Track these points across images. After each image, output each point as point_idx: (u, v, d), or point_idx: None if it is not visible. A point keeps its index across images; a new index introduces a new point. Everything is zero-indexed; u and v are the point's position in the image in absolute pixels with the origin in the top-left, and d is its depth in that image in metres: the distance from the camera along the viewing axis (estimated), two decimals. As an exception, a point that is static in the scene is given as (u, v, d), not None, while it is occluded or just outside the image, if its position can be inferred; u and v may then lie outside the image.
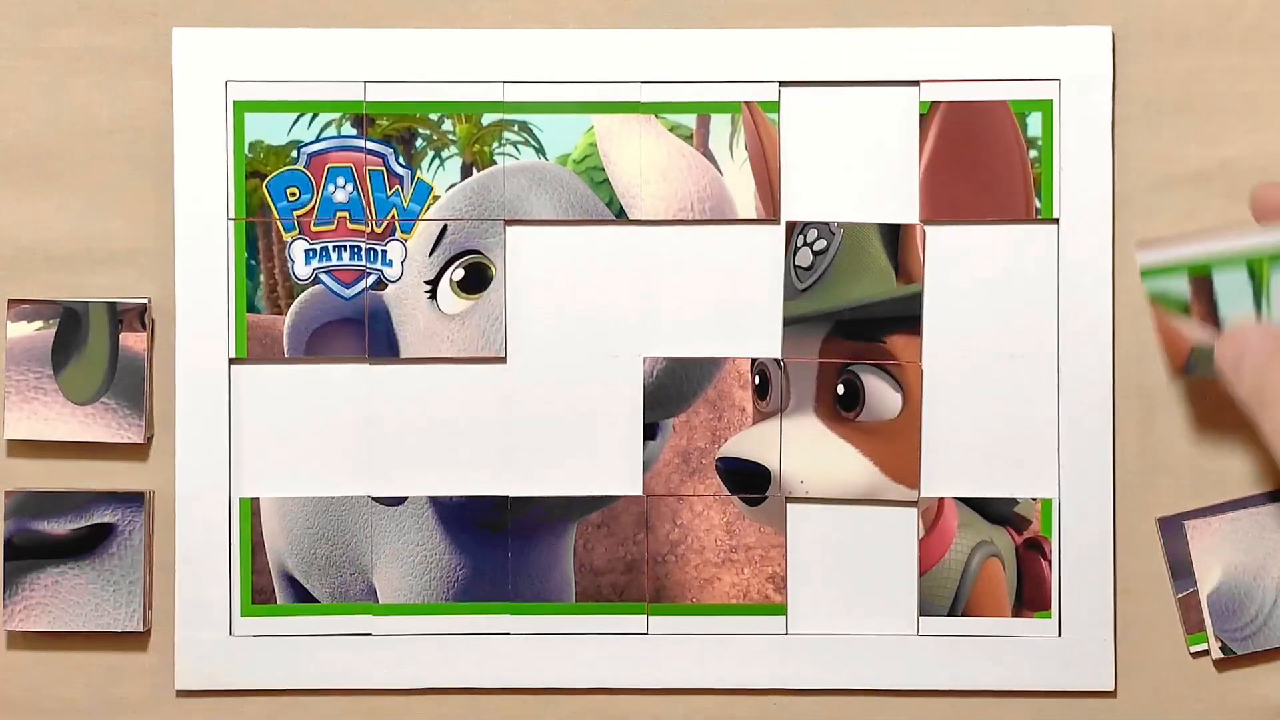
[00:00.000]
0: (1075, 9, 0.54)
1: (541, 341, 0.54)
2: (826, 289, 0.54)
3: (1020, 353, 0.54)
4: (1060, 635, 0.54)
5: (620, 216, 0.54)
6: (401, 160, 0.54)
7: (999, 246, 0.54)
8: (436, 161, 0.54)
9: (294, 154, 0.54)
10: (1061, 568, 0.54)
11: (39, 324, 0.54)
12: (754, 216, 0.54)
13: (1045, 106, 0.53)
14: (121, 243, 0.54)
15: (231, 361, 0.54)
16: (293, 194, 0.54)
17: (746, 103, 0.54)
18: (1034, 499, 0.54)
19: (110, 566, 0.54)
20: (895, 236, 0.53)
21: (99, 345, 0.54)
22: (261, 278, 0.54)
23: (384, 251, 0.54)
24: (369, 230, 0.54)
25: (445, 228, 0.54)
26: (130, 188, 0.54)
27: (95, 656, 0.55)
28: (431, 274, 0.54)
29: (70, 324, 0.54)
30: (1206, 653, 0.54)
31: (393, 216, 0.54)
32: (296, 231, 0.54)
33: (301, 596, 0.54)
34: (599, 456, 0.54)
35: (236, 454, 0.54)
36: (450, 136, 0.54)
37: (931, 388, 0.54)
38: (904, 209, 0.54)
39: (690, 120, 0.54)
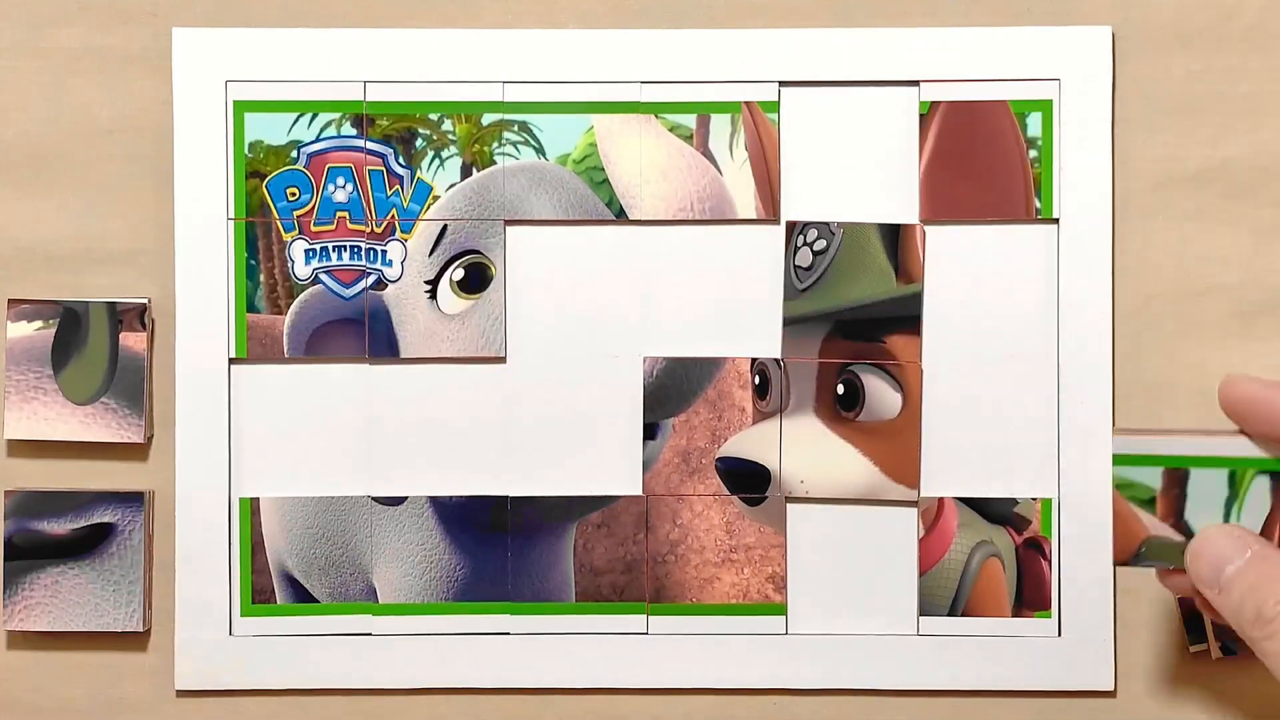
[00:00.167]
0: (1075, 9, 0.54)
1: (541, 341, 0.54)
2: (826, 289, 0.54)
3: (1020, 353, 0.54)
4: (1060, 635, 0.54)
5: (620, 216, 0.54)
6: (401, 160, 0.54)
7: (999, 246, 0.54)
8: (436, 161, 0.54)
9: (294, 154, 0.54)
10: (1061, 568, 0.54)
11: (39, 324, 0.54)
12: (754, 216, 0.54)
13: (1045, 106, 0.53)
14: (121, 243, 0.54)
15: (231, 361, 0.54)
16: (293, 194, 0.54)
17: (746, 103, 0.54)
18: (1034, 499, 0.54)
19: (110, 566, 0.54)
20: (895, 236, 0.53)
21: (99, 345, 0.54)
22: (261, 278, 0.54)
23: (384, 251, 0.54)
24: (369, 230, 0.54)
25: (445, 228, 0.54)
26: (130, 188, 0.54)
27: (95, 656, 0.55)
28: (431, 274, 0.54)
29: (70, 324, 0.54)
30: (1206, 653, 0.54)
31: (393, 216, 0.54)
32: (296, 231, 0.54)
33: (301, 596, 0.54)
34: (599, 456, 0.54)
35: (236, 454, 0.54)
36: (450, 136, 0.54)
37: (931, 388, 0.54)
38: (904, 209, 0.54)
39: (690, 120, 0.54)
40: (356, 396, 0.54)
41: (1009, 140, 0.53)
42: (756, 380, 0.54)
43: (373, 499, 0.54)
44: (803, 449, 0.54)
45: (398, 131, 0.54)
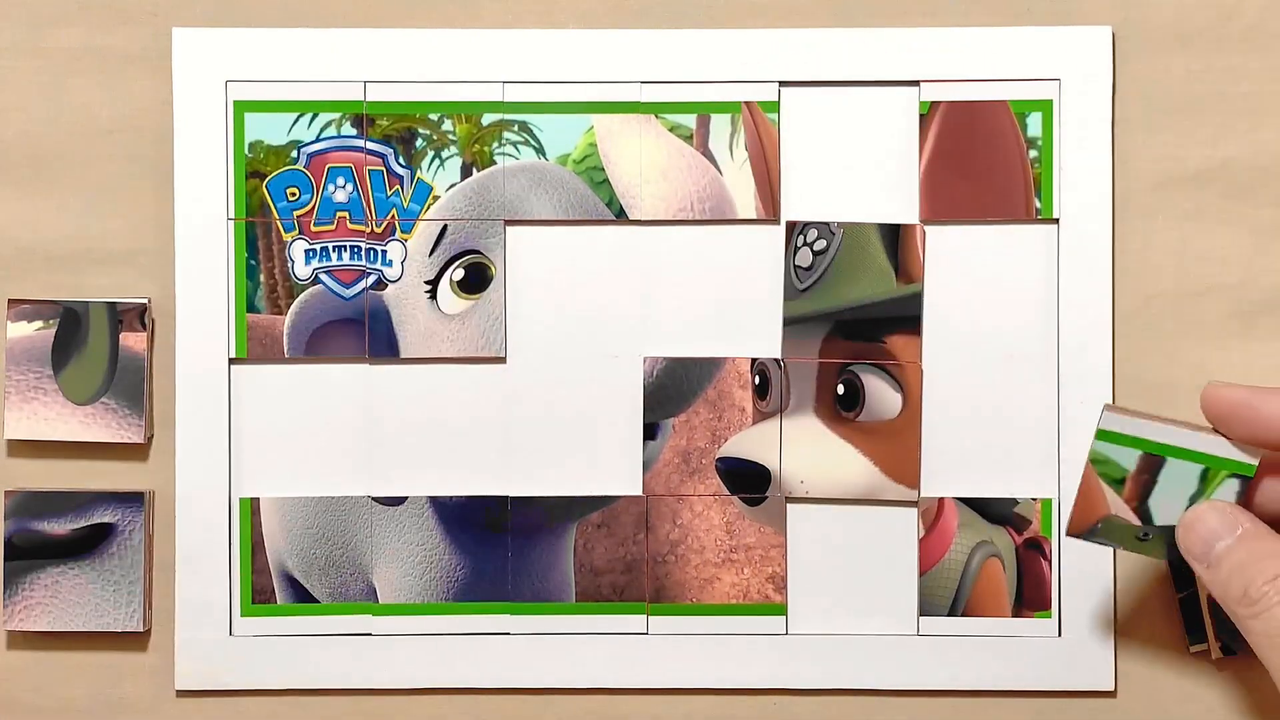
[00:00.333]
0: (1075, 9, 0.54)
1: (541, 341, 0.54)
2: (826, 289, 0.54)
3: (1020, 353, 0.54)
4: (1060, 635, 0.54)
5: (620, 216, 0.54)
6: (401, 160, 0.54)
7: (999, 246, 0.54)
8: (436, 161, 0.54)
9: (294, 154, 0.54)
10: (1061, 568, 0.54)
11: (39, 324, 0.54)
12: (754, 216, 0.54)
13: (1045, 106, 0.53)
14: (121, 243, 0.54)
15: (231, 361, 0.54)
16: (293, 194, 0.54)
17: (746, 103, 0.54)
18: (1034, 499, 0.54)
19: (110, 566, 0.54)
20: (895, 236, 0.53)
21: (99, 345, 0.54)
22: (261, 278, 0.54)
23: (384, 251, 0.54)
24: (369, 230, 0.54)
25: (445, 228, 0.54)
26: (130, 188, 0.54)
27: (95, 656, 0.55)
28: (431, 274, 0.54)
29: (70, 324, 0.54)
30: (1206, 653, 0.54)
31: (393, 216, 0.54)
32: (296, 231, 0.54)
33: (301, 596, 0.54)
34: (599, 456, 0.54)
35: (236, 454, 0.54)
36: (450, 136, 0.54)
37: (931, 388, 0.54)
38: (904, 209, 0.54)
39: (690, 120, 0.54)
40: (356, 396, 0.54)
41: (1009, 140, 0.53)
42: (756, 380, 0.54)
43: (373, 499, 0.54)
44: (803, 449, 0.54)
45: (398, 131, 0.54)
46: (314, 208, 0.54)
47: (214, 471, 0.54)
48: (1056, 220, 0.53)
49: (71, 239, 0.54)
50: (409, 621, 0.54)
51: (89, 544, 0.54)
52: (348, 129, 0.54)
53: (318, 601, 0.54)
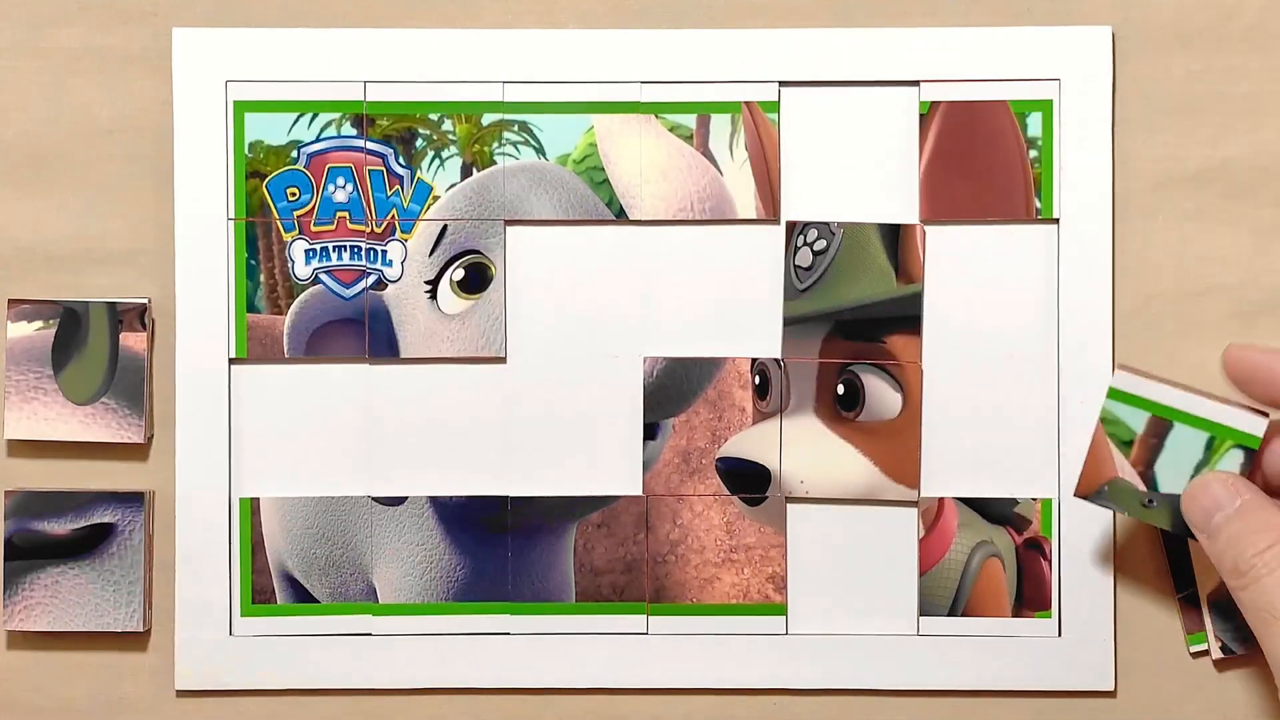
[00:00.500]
0: (1075, 9, 0.54)
1: (541, 341, 0.54)
2: (826, 289, 0.54)
3: (1020, 353, 0.54)
4: (1060, 635, 0.54)
5: (620, 216, 0.54)
6: (401, 160, 0.54)
7: (999, 246, 0.54)
8: (436, 161, 0.54)
9: (294, 154, 0.54)
10: (1061, 568, 0.54)
11: (39, 324, 0.54)
12: (754, 216, 0.54)
13: (1045, 106, 0.53)
14: (121, 243, 0.54)
15: (231, 361, 0.54)
16: (293, 194, 0.54)
17: (746, 103, 0.54)
18: (1034, 499, 0.54)
19: (110, 566, 0.54)
20: (895, 236, 0.53)
21: (99, 345, 0.54)
22: (261, 278, 0.54)
23: (384, 251, 0.54)
24: (369, 230, 0.54)
25: (445, 228, 0.54)
26: (130, 188, 0.54)
27: (95, 656, 0.55)
28: (431, 274, 0.54)
29: (70, 324, 0.54)
30: (1206, 653, 0.54)
31: (393, 216, 0.54)
32: (296, 231, 0.54)
33: (301, 596, 0.54)
34: (599, 456, 0.54)
35: (236, 454, 0.54)
36: (450, 136, 0.54)
37: (931, 388, 0.54)
38: (904, 209, 0.54)
39: (690, 120, 0.54)
40: (356, 396, 0.54)
41: (1009, 140, 0.53)
42: (756, 380, 0.54)
43: (373, 499, 0.54)
44: (803, 449, 0.54)
45: (398, 131, 0.54)
46: (314, 208, 0.54)
47: (214, 471, 0.54)
48: (1056, 220, 0.53)
49: (71, 239, 0.54)
50: (409, 621, 0.54)
51: (89, 544, 0.54)
52: (348, 129, 0.54)
53: (318, 601, 0.54)
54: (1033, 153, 0.53)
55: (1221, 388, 0.49)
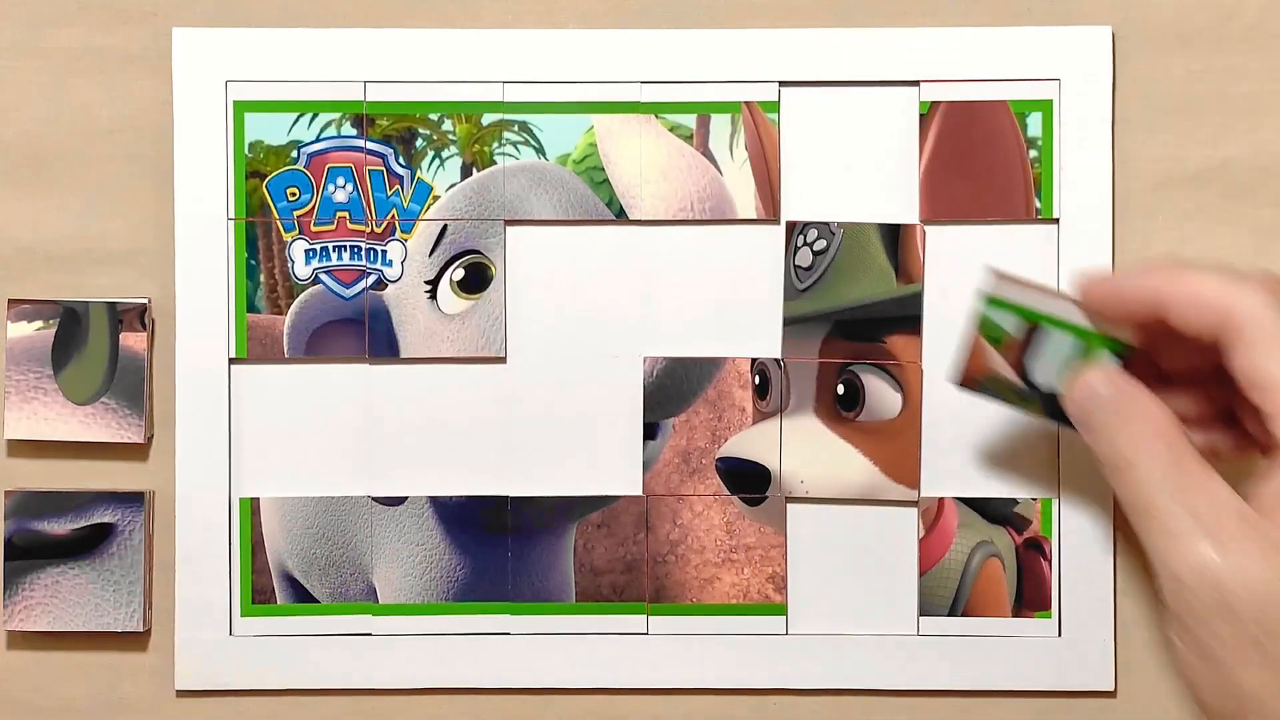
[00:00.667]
0: (1075, 9, 0.54)
1: (541, 341, 0.54)
2: (826, 289, 0.54)
3: (1020, 353, 0.54)
4: (1060, 635, 0.54)
5: (620, 216, 0.54)
6: (401, 160, 0.54)
7: (999, 246, 0.54)
8: (436, 161, 0.54)
9: (294, 154, 0.54)
10: (1061, 568, 0.54)
11: (39, 324, 0.54)
12: (754, 216, 0.54)
13: (1045, 106, 0.53)
14: (121, 243, 0.54)
15: (231, 361, 0.54)
16: (293, 194, 0.54)
17: (746, 103, 0.54)
18: (1034, 499, 0.54)
19: (110, 566, 0.54)
20: (895, 236, 0.53)
21: (99, 345, 0.54)
22: (261, 278, 0.54)
23: (384, 251, 0.54)
24: (369, 230, 0.54)
25: (445, 228, 0.54)
26: (130, 188, 0.54)
27: (95, 656, 0.55)
28: (431, 274, 0.54)
29: (70, 324, 0.54)
30: (1206, 653, 0.54)
31: (393, 216, 0.54)
32: (296, 231, 0.54)
33: (301, 596, 0.54)
34: (599, 456, 0.54)
35: (236, 454, 0.54)
36: (450, 136, 0.54)
37: (931, 388, 0.54)
38: (904, 209, 0.54)
39: (690, 120, 0.54)
40: (356, 396, 0.54)
41: (1009, 140, 0.53)
42: (756, 380, 0.54)
43: (373, 499, 0.54)
44: (803, 449, 0.54)
45: (398, 131, 0.54)
46: (314, 208, 0.54)
47: (214, 471, 0.54)
48: (1056, 220, 0.53)
49: (71, 239, 0.54)
50: (409, 621, 0.54)
51: (89, 544, 0.54)
52: (348, 129, 0.54)
53: (318, 601, 0.54)
54: (1033, 153, 0.53)
55: None
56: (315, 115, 0.54)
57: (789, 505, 0.54)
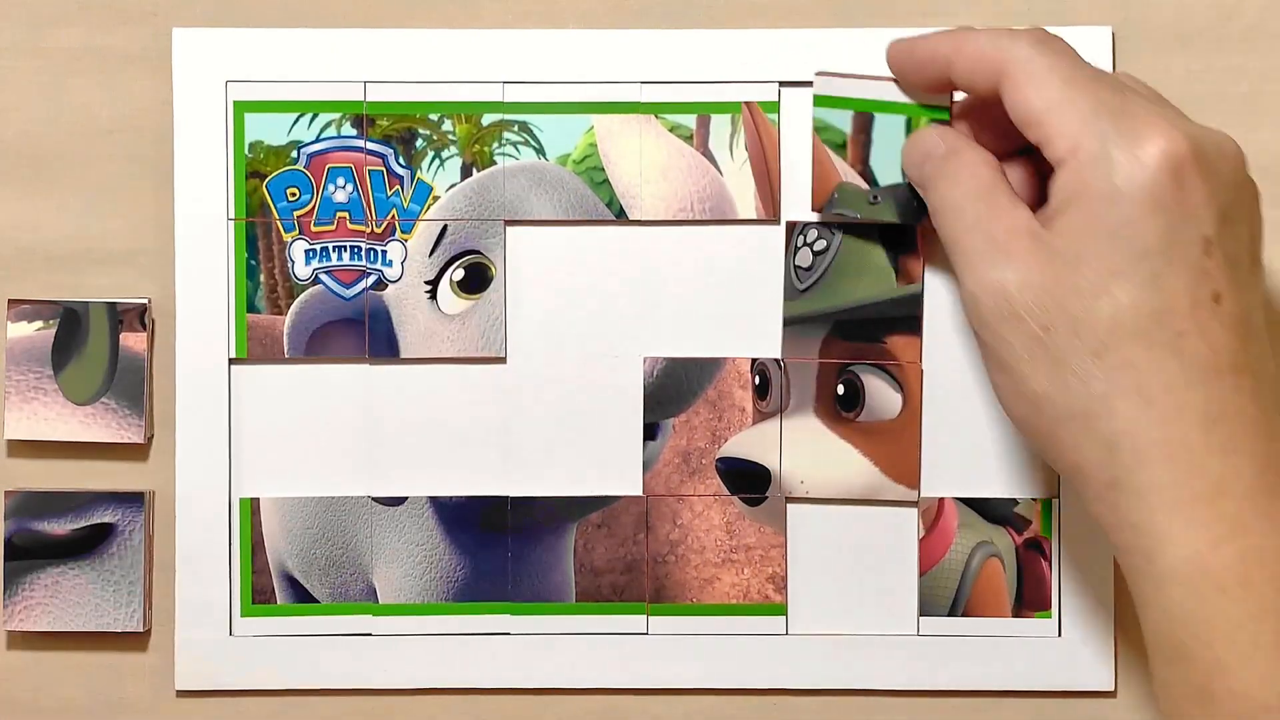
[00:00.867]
0: (1075, 9, 0.54)
1: (541, 341, 0.54)
2: (826, 289, 0.54)
3: (1020, 353, 0.54)
4: (1060, 635, 0.54)
5: (620, 216, 0.54)
6: (401, 160, 0.54)
7: (999, 246, 0.54)
8: (436, 162, 0.54)
9: (294, 154, 0.54)
10: (1061, 568, 0.54)
11: (39, 324, 0.54)
12: (754, 216, 0.54)
13: (1045, 106, 0.53)
14: (121, 243, 0.54)
15: (231, 361, 0.54)
16: (293, 194, 0.54)
17: (746, 103, 0.54)
18: (1034, 499, 0.54)
19: (110, 566, 0.54)
20: (895, 237, 0.53)
21: (99, 345, 0.54)
22: (261, 278, 0.54)
23: (384, 252, 0.54)
24: (369, 230, 0.54)
25: (445, 228, 0.54)
26: (130, 188, 0.54)
27: (95, 656, 0.55)
28: (431, 274, 0.54)
29: (70, 324, 0.54)
30: (1206, 653, 0.54)
31: (393, 217, 0.54)
32: (296, 231, 0.54)
33: (301, 596, 0.54)
34: (599, 456, 0.54)
35: (236, 454, 0.54)
36: (450, 137, 0.54)
37: (931, 388, 0.54)
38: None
39: (690, 120, 0.54)
40: (356, 396, 0.54)
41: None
42: (756, 380, 0.54)
43: (373, 499, 0.54)
44: (803, 449, 0.54)
45: (398, 131, 0.54)
46: (314, 208, 0.54)
47: (214, 471, 0.54)
48: (1056, 220, 0.53)
49: (71, 239, 0.54)
50: (409, 621, 0.54)
51: (89, 544, 0.54)
52: (348, 129, 0.54)
53: (318, 601, 0.54)
54: (1033, 153, 0.53)
55: None
56: (315, 115, 0.54)
57: (789, 505, 0.54)
